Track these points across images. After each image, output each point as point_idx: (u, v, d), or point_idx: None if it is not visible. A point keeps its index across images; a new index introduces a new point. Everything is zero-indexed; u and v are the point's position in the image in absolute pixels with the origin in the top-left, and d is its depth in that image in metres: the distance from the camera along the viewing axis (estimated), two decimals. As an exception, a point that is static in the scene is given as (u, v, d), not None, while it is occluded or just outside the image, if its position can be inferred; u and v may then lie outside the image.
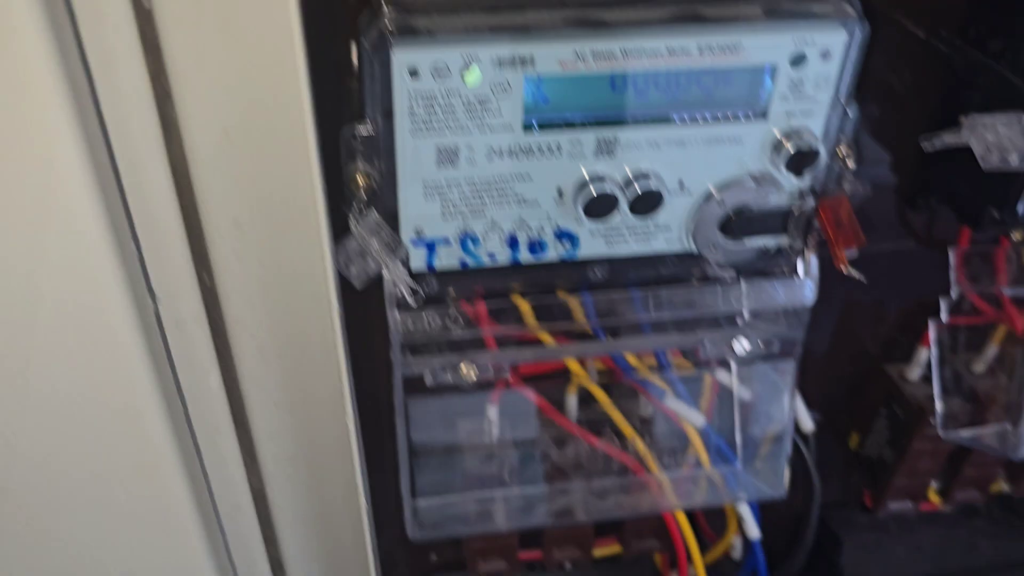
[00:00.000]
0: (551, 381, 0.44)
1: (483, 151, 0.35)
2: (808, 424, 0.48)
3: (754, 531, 0.50)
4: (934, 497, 0.57)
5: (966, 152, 0.39)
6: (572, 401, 0.44)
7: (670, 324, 0.41)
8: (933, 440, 0.50)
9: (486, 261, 0.38)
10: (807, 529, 0.52)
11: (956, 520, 0.60)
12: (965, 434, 0.49)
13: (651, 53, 0.33)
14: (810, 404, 0.48)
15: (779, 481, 0.47)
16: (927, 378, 0.51)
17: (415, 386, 0.41)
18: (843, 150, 0.38)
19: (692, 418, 0.45)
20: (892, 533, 0.59)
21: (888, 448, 0.54)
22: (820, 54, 0.35)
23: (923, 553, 0.59)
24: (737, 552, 0.53)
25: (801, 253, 0.40)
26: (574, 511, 0.46)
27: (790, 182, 0.37)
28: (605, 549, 0.53)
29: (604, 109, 0.35)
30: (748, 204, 0.38)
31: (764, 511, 0.50)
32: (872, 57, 0.38)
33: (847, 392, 0.55)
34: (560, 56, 0.33)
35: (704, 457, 0.46)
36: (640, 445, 0.45)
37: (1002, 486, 0.57)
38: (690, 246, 0.39)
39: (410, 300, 0.36)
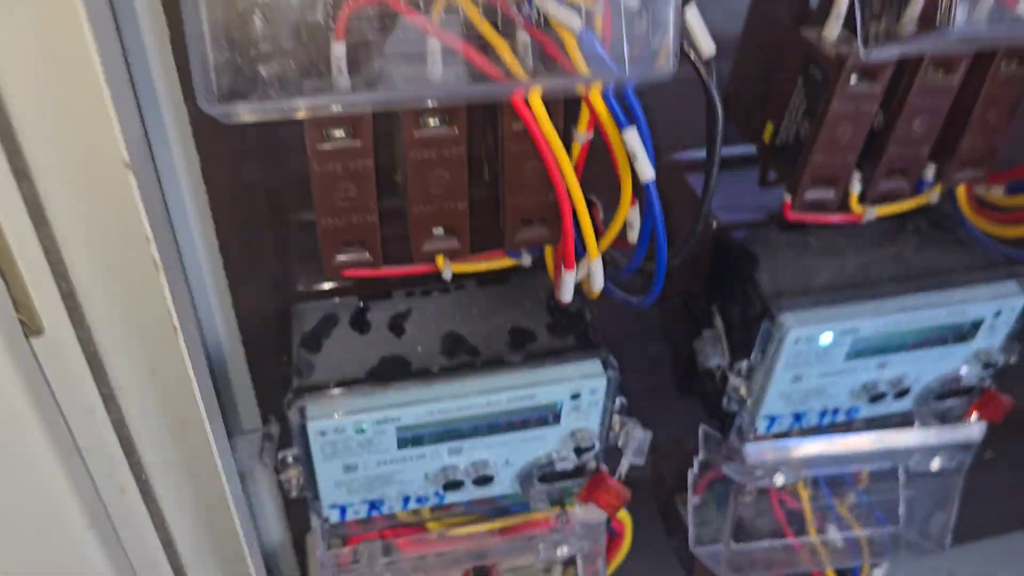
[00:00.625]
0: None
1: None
2: (709, 46, 0.42)
3: (648, 172, 0.44)
4: (856, 206, 0.55)
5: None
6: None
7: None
8: (854, 100, 0.49)
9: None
10: (711, 177, 0.46)
11: (881, 234, 0.60)
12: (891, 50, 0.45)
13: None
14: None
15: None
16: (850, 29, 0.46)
17: None
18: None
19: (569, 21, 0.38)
20: (812, 249, 0.59)
21: (805, 121, 0.51)
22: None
23: (846, 263, 0.58)
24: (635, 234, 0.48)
25: (596, 487, 0.59)
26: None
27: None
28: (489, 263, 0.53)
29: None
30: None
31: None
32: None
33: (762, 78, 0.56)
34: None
35: (582, 66, 0.39)
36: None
37: (928, 174, 0.55)
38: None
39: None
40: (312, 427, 0.50)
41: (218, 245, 0.53)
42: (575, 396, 0.53)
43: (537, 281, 0.58)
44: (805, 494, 0.73)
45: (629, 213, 0.48)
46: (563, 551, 0.60)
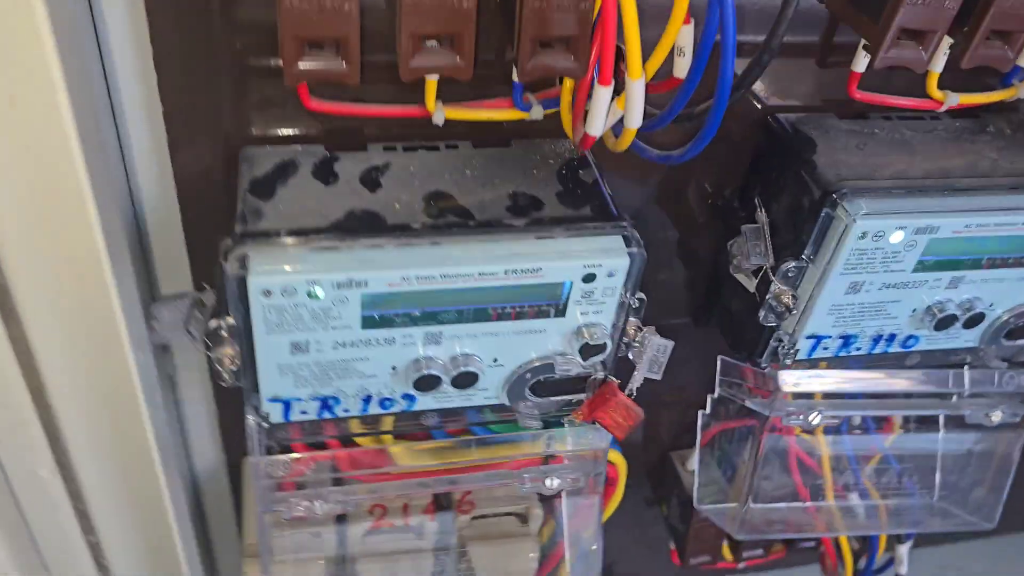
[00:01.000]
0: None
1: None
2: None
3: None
4: (935, 91, 0.48)
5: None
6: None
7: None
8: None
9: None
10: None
11: (957, 133, 0.52)
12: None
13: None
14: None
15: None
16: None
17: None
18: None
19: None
20: (878, 139, 0.50)
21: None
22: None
23: (918, 158, 0.50)
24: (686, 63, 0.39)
25: (599, 406, 0.49)
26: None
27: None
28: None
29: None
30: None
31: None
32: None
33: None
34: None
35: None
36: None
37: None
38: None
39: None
40: (254, 283, 0.39)
41: (157, 81, 0.42)
42: (588, 278, 0.42)
43: (545, 149, 0.47)
44: (826, 450, 0.63)
45: (681, 33, 0.38)
46: (552, 483, 0.49)
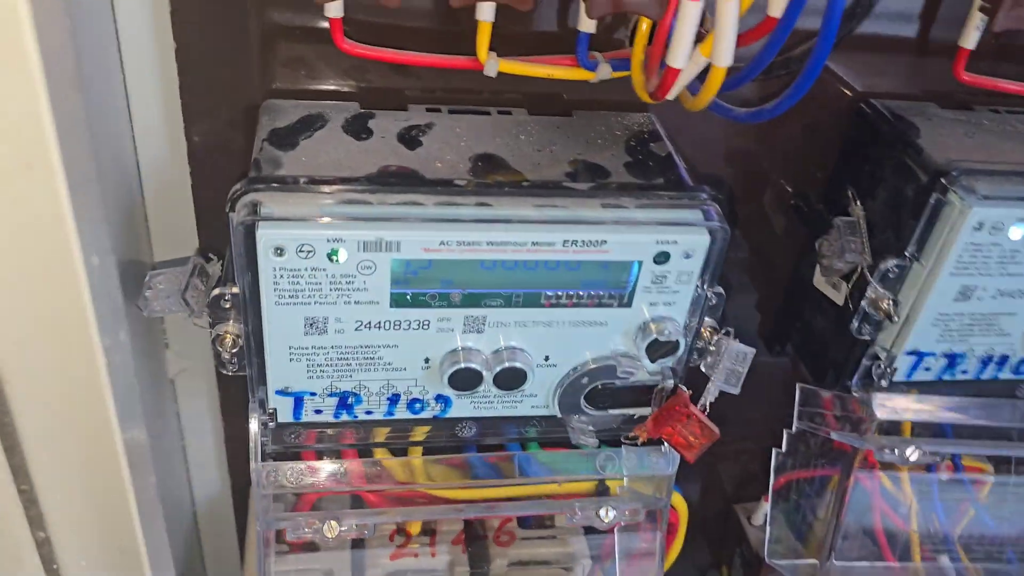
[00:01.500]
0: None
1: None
2: None
3: None
4: None
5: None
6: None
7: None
8: None
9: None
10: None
11: None
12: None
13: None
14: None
15: None
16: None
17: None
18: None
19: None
20: (985, 129, 0.44)
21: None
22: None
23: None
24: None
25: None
26: None
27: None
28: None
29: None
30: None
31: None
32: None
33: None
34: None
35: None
36: None
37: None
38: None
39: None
40: (265, 237, 0.32)
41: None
42: (661, 258, 0.36)
43: (611, 121, 0.41)
44: (913, 502, 0.55)
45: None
46: (608, 515, 0.42)
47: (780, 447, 0.51)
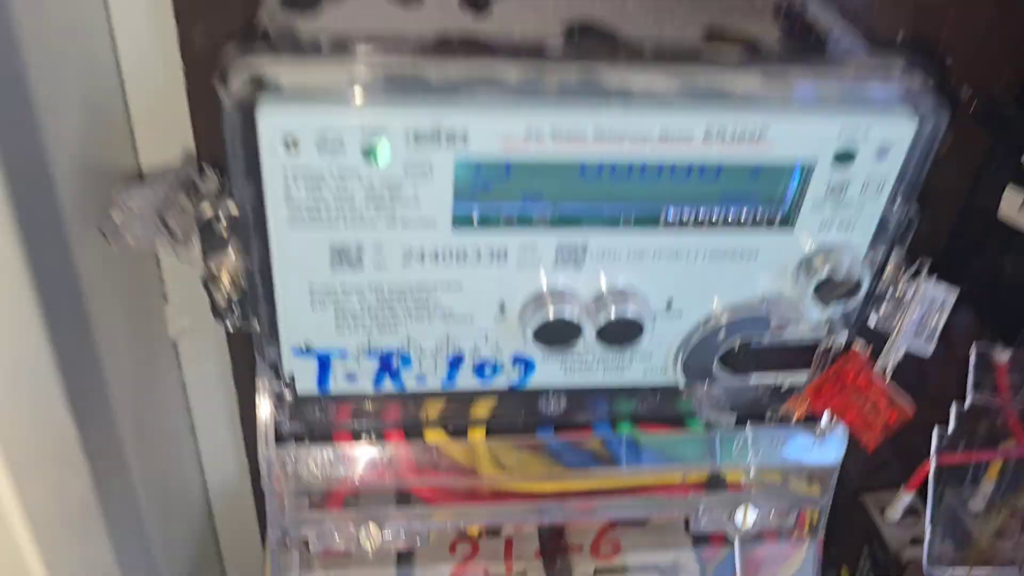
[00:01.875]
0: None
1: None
2: None
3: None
4: None
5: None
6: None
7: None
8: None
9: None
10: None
11: None
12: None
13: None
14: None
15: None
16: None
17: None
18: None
19: None
20: None
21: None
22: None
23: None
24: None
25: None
26: None
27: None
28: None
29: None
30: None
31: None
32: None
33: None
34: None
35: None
36: None
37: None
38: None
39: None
40: (270, 122, 0.22)
41: None
42: (844, 157, 0.25)
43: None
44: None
45: None
46: (746, 518, 0.31)
47: (942, 423, 0.39)
